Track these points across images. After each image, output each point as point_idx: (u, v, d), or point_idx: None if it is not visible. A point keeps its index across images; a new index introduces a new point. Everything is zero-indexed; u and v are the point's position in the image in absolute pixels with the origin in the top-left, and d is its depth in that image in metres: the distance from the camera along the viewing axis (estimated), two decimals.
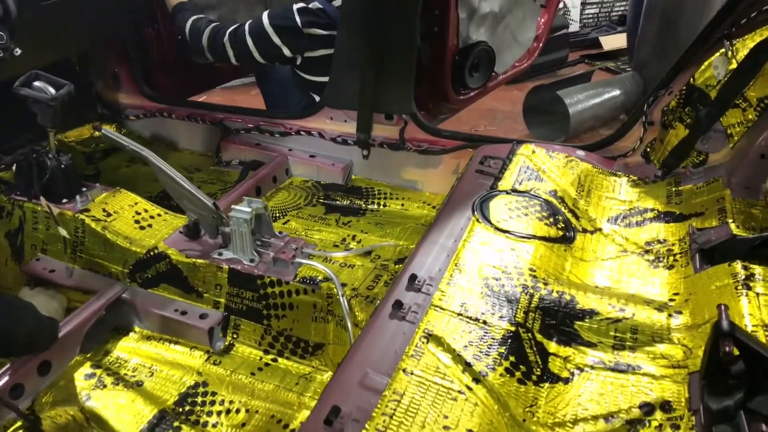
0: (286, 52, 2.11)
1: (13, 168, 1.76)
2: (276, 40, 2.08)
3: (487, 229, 1.38)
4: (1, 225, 1.76)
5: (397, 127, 2.16)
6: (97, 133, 2.54)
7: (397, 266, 1.60)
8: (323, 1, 2.09)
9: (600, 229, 1.51)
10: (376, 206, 2.13)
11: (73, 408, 1.35)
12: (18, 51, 1.72)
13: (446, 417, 0.96)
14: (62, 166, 1.70)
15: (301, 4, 2.08)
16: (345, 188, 2.24)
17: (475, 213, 1.45)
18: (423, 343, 1.12)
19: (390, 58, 1.92)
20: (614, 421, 1.00)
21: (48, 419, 1.30)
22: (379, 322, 1.18)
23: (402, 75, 1.97)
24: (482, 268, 1.26)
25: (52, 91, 1.60)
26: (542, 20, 2.73)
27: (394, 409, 0.98)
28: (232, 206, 1.52)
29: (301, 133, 2.33)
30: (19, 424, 1.29)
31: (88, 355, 1.51)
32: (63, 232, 1.64)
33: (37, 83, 1.60)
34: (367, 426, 0.96)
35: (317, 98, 2.25)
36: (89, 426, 1.33)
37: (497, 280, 1.23)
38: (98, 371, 1.46)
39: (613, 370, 1.09)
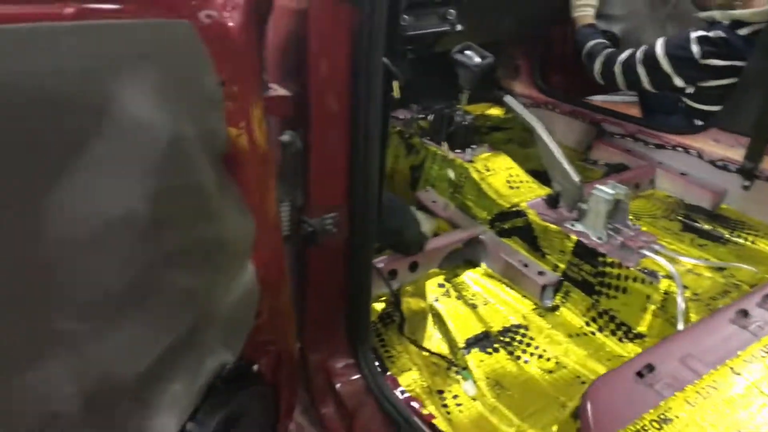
0: (678, 82, 2.08)
1: (429, 118, 2.23)
2: (668, 69, 2.06)
3: None
4: (410, 159, 2.25)
5: None
6: (488, 110, 2.94)
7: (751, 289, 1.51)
8: (726, 30, 1.99)
9: None
10: (742, 240, 1.98)
11: (424, 302, 1.69)
12: (459, 27, 2.14)
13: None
14: (465, 123, 2.08)
15: (700, 33, 2.01)
16: (710, 214, 2.13)
17: None
18: (762, 355, 1.08)
19: None
20: None
21: (406, 303, 1.67)
22: (716, 321, 1.18)
23: None
24: None
25: (478, 60, 1.97)
26: None
27: (707, 396, 1.00)
28: (596, 185, 1.65)
29: (678, 149, 2.29)
30: (386, 296, 1.68)
31: (443, 272, 1.84)
32: (451, 174, 2.02)
33: (467, 52, 1.99)
34: (676, 394, 1.00)
35: (699, 122, 2.19)
36: (431, 320, 1.65)
37: None
38: (447, 285, 1.78)
39: None
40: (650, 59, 2.11)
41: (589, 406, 1.00)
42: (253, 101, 0.79)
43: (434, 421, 1.21)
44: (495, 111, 3.01)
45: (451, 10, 2.11)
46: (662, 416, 0.98)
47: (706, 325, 1.18)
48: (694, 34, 2.01)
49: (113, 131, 0.63)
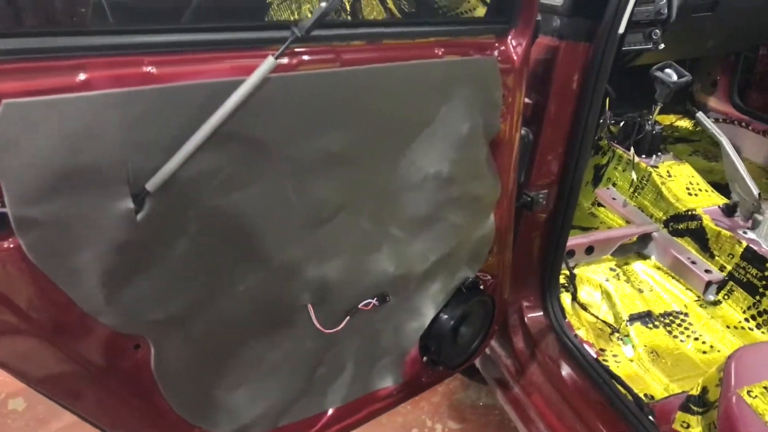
0: None
1: (620, 124, 2.49)
2: None
3: None
4: (596, 159, 2.54)
5: None
6: (678, 122, 3.09)
7: None
8: None
9: None
10: None
11: (598, 282, 2.01)
12: (662, 46, 2.38)
13: None
14: (654, 131, 2.33)
15: None
16: None
17: None
18: None
19: None
20: None
21: (580, 280, 2.00)
22: None
23: None
24: None
25: (675, 77, 2.21)
26: None
27: None
28: None
29: None
30: (565, 272, 2.02)
31: (616, 259, 2.14)
32: (633, 175, 2.29)
33: (667, 70, 2.23)
34: None
35: None
36: (601, 295, 1.97)
37: None
38: (618, 270, 2.08)
39: None
40: None
41: (733, 363, 1.28)
42: (516, 106, 1.20)
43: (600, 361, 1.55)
44: (684, 123, 3.17)
45: (657, 31, 2.36)
46: None
47: None
48: None
49: (443, 120, 1.07)
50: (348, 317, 1.12)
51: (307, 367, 1.12)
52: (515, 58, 1.13)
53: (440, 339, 1.28)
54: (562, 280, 2.00)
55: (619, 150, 2.43)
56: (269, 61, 0.78)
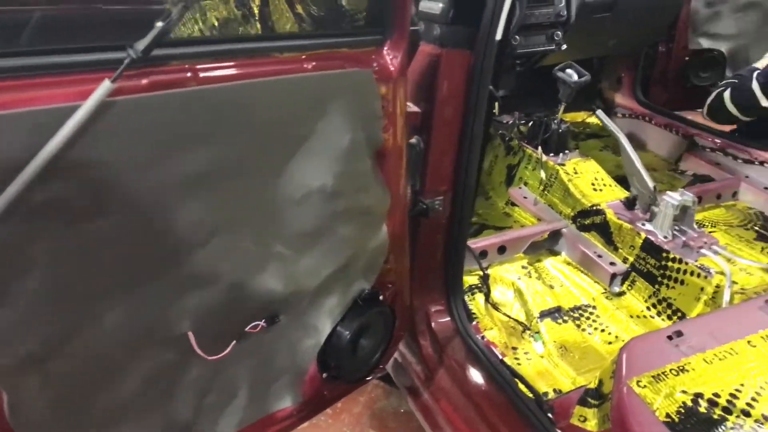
0: None
1: (529, 124, 2.56)
2: None
3: None
4: (508, 159, 2.60)
5: None
6: (588, 119, 3.20)
7: None
8: None
9: None
10: None
11: (510, 280, 2.05)
12: (564, 47, 2.45)
13: (762, 387, 1.22)
14: (560, 130, 2.40)
15: None
16: None
17: None
18: None
19: None
20: None
21: (493, 280, 2.03)
22: (746, 307, 1.45)
23: None
24: None
25: (576, 77, 2.27)
26: None
27: (723, 358, 1.30)
28: (667, 192, 1.93)
29: (766, 165, 2.46)
30: (477, 272, 2.05)
31: (528, 257, 2.19)
32: (542, 174, 2.35)
33: (568, 70, 2.30)
34: (697, 354, 1.31)
35: None
36: (513, 293, 2.01)
37: None
38: (530, 267, 2.12)
39: None
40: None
41: (624, 355, 1.33)
42: (398, 117, 1.20)
43: (505, 361, 1.57)
44: (594, 119, 3.26)
45: (558, 32, 2.43)
46: (680, 368, 1.29)
47: (737, 308, 1.46)
48: None
49: (322, 134, 1.06)
50: (234, 341, 1.08)
51: (193, 396, 1.08)
52: (392, 69, 1.13)
53: (339, 354, 1.26)
54: (476, 280, 2.03)
55: (529, 149, 2.48)
56: (105, 86, 0.74)
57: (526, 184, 2.49)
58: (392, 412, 1.97)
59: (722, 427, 1.18)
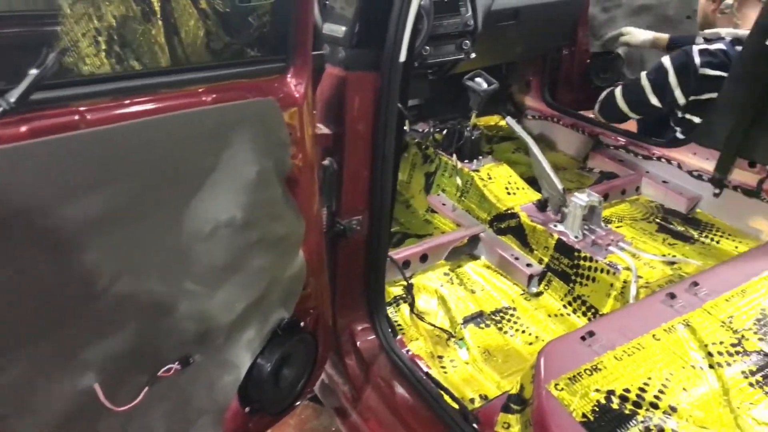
0: (679, 94, 2.32)
1: (443, 132, 2.61)
2: (673, 81, 2.31)
3: None
4: (425, 167, 2.64)
5: (758, 176, 2.28)
6: (501, 122, 3.30)
7: None
8: (728, 44, 2.25)
9: None
10: (708, 240, 2.32)
11: (433, 288, 2.08)
12: (473, 55, 2.51)
13: (668, 379, 1.30)
14: (473, 137, 2.46)
15: (702, 45, 2.28)
16: (685, 217, 2.47)
17: None
18: (680, 327, 1.44)
19: None
20: None
21: (417, 289, 2.06)
22: (649, 301, 1.54)
23: None
24: (764, 300, 1.48)
25: (485, 86, 2.34)
26: None
27: (631, 354, 1.37)
28: (575, 194, 2.02)
29: (662, 160, 2.62)
30: (401, 282, 2.07)
31: (449, 263, 2.23)
32: (458, 181, 2.40)
33: (477, 79, 2.36)
34: (608, 352, 1.37)
35: (680, 135, 2.50)
36: (437, 301, 2.04)
37: None
38: (452, 273, 2.17)
39: None
40: (657, 70, 2.35)
41: (542, 359, 1.37)
42: (306, 141, 1.18)
43: (430, 373, 1.60)
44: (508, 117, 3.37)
45: (467, 41, 2.49)
46: (594, 367, 1.35)
47: (641, 304, 1.55)
48: (696, 47, 2.26)
49: (226, 166, 1.03)
50: (147, 388, 1.03)
51: None
52: (297, 95, 1.12)
53: (260, 386, 1.24)
54: (401, 291, 2.05)
55: (444, 157, 2.53)
56: None
57: (443, 191, 2.54)
58: (323, 431, 1.96)
59: (633, 421, 1.24)
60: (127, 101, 0.89)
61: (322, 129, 1.36)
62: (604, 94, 2.60)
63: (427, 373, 1.51)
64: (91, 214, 0.86)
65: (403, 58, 1.27)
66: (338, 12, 1.29)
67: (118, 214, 0.90)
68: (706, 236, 2.34)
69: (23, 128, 0.77)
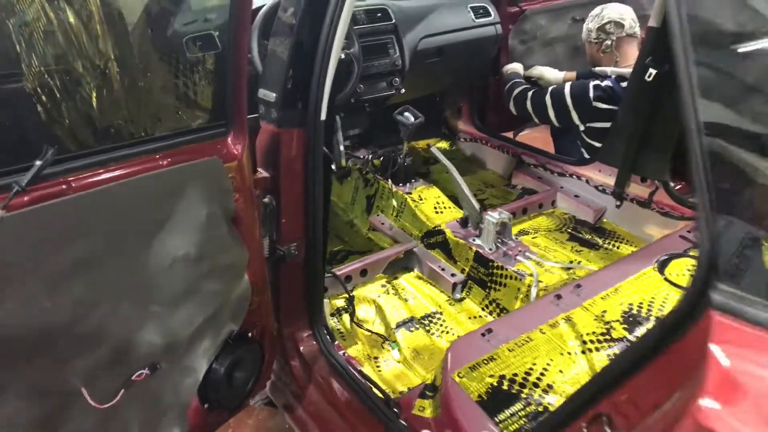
0: (575, 117, 2.77)
1: (381, 159, 2.93)
2: (570, 104, 2.76)
3: (658, 279, 1.90)
4: (366, 190, 2.95)
5: (648, 190, 2.66)
6: (439, 144, 3.65)
7: None
8: (614, 81, 2.68)
9: None
10: (611, 246, 2.69)
11: (372, 298, 2.39)
12: (402, 90, 2.85)
13: (549, 364, 1.63)
14: (405, 164, 2.79)
15: (596, 82, 2.71)
16: (593, 227, 2.84)
17: (655, 264, 1.98)
18: (562, 321, 1.78)
19: (655, 133, 2.42)
20: None
21: (358, 300, 2.36)
22: (541, 302, 1.88)
23: (662, 149, 2.44)
24: (632, 296, 1.83)
25: (412, 119, 2.67)
26: None
27: (522, 345, 1.70)
28: (488, 212, 2.36)
29: (574, 177, 3.00)
30: (343, 295, 2.37)
31: (386, 276, 2.54)
32: (394, 203, 2.73)
33: (406, 113, 2.69)
34: (502, 345, 1.70)
35: (586, 155, 2.89)
36: (375, 310, 2.35)
37: (640, 307, 1.79)
38: (388, 285, 2.48)
39: None
40: (558, 94, 2.75)
41: (449, 354, 1.69)
42: (246, 186, 1.48)
43: (364, 371, 1.90)
44: (442, 144, 3.74)
45: (396, 78, 2.82)
46: (490, 357, 1.67)
47: (534, 305, 1.88)
48: (592, 83, 2.67)
49: (181, 213, 1.32)
50: (123, 390, 1.31)
51: None
52: (236, 152, 1.42)
53: (216, 387, 1.52)
54: (343, 303, 2.35)
55: (382, 181, 2.85)
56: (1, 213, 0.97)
57: (382, 211, 2.86)
58: (277, 429, 2.23)
59: (518, 398, 1.57)
60: (102, 170, 1.18)
61: (262, 173, 1.66)
62: (518, 90, 2.96)
63: (359, 371, 1.81)
64: (77, 257, 1.14)
65: (323, 117, 1.58)
66: (270, 80, 1.59)
67: (97, 255, 1.18)
68: (609, 243, 2.71)
69: (26, 198, 1.05)
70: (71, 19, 1.15)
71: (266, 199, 1.69)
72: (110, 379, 1.29)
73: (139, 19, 1.29)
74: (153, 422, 1.43)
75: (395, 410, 1.66)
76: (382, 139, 3.18)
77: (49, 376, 1.18)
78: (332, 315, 2.31)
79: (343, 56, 2.40)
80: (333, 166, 1.83)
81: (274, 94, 1.57)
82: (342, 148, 2.87)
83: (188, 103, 1.35)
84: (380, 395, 1.73)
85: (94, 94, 1.21)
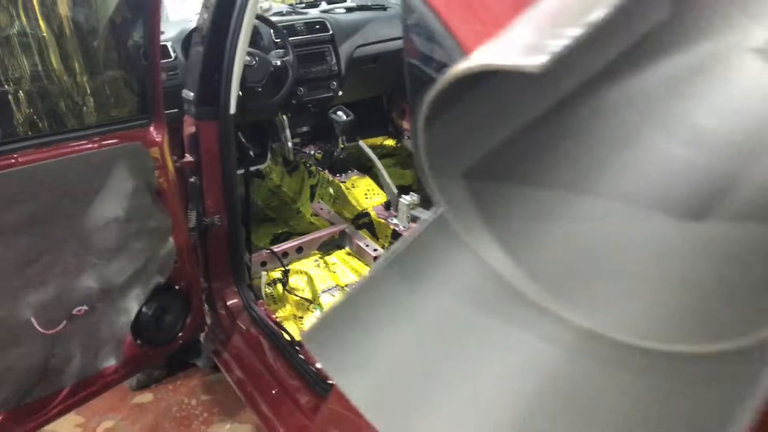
0: None
1: (321, 153, 3.33)
2: None
3: None
4: (310, 181, 3.35)
5: None
6: (386, 141, 4.04)
7: None
8: None
9: None
10: None
11: (305, 271, 2.78)
12: (340, 93, 3.25)
13: None
14: (341, 156, 3.18)
15: None
16: None
17: None
18: None
19: None
20: None
21: (293, 272, 2.75)
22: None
23: None
24: None
25: (344, 117, 3.06)
26: None
27: None
28: (402, 196, 2.75)
29: None
30: (280, 269, 2.76)
31: (320, 253, 2.93)
32: (331, 190, 3.12)
33: (339, 112, 3.09)
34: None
35: None
36: (306, 280, 2.74)
37: None
38: (321, 260, 2.87)
39: None
40: None
41: None
42: (168, 167, 1.88)
43: (288, 327, 2.28)
44: (389, 142, 4.13)
45: (334, 82, 3.22)
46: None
47: None
48: None
49: (111, 184, 1.71)
50: (65, 321, 1.71)
51: (41, 360, 1.69)
52: (157, 140, 1.82)
53: (145, 326, 1.91)
54: (279, 275, 2.74)
55: (321, 172, 3.25)
56: None
57: (322, 198, 3.26)
58: (218, 381, 2.61)
59: None
60: (46, 149, 1.58)
61: (188, 157, 2.06)
62: None
63: (273, 320, 2.20)
64: (26, 214, 1.54)
65: (233, 111, 1.98)
66: (189, 81, 1.99)
67: (42, 214, 1.58)
68: None
69: None
70: (27, 27, 1.55)
71: (192, 179, 2.09)
72: (54, 311, 1.69)
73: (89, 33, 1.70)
74: (93, 351, 1.83)
75: (297, 348, 2.04)
76: (327, 136, 3.57)
77: (5, 305, 1.58)
78: (268, 284, 2.70)
79: (279, 63, 2.81)
80: (251, 153, 2.23)
81: (192, 93, 1.97)
82: (290, 144, 3.29)
83: (117, 101, 1.75)
84: (288, 338, 2.11)
85: (38, 92, 1.61)
